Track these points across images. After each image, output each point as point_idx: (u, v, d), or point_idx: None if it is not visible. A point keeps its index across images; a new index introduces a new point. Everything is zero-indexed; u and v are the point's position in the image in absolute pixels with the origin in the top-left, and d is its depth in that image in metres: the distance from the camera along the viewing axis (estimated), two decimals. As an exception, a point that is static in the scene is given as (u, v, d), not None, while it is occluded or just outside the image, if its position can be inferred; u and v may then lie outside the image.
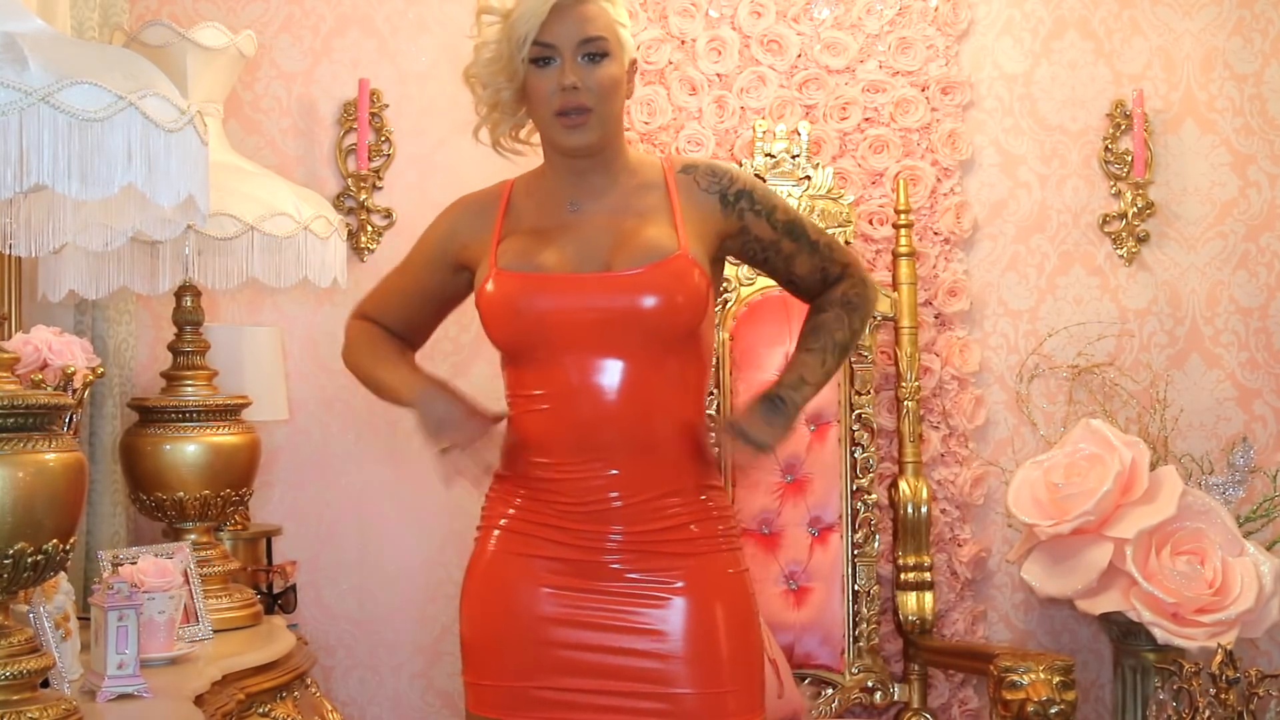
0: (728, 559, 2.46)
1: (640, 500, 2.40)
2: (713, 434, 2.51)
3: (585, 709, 2.39)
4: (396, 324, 2.62)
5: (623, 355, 2.38)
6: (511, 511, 2.46)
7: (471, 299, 2.52)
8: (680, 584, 2.40)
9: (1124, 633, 3.68)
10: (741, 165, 3.80)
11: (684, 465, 2.43)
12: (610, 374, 2.38)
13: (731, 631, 2.42)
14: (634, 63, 2.51)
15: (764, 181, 3.76)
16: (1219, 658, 3.44)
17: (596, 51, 2.41)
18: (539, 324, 2.39)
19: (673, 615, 2.39)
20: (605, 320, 2.37)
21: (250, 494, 3.24)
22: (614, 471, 2.39)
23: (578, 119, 2.40)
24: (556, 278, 2.40)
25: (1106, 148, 4.05)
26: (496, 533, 2.47)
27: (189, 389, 3.15)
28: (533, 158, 2.58)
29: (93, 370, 2.73)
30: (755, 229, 2.50)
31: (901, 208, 3.81)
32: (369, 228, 3.86)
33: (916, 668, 3.75)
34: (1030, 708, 3.19)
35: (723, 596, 2.43)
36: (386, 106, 3.89)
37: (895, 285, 3.80)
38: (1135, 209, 4.03)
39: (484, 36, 2.46)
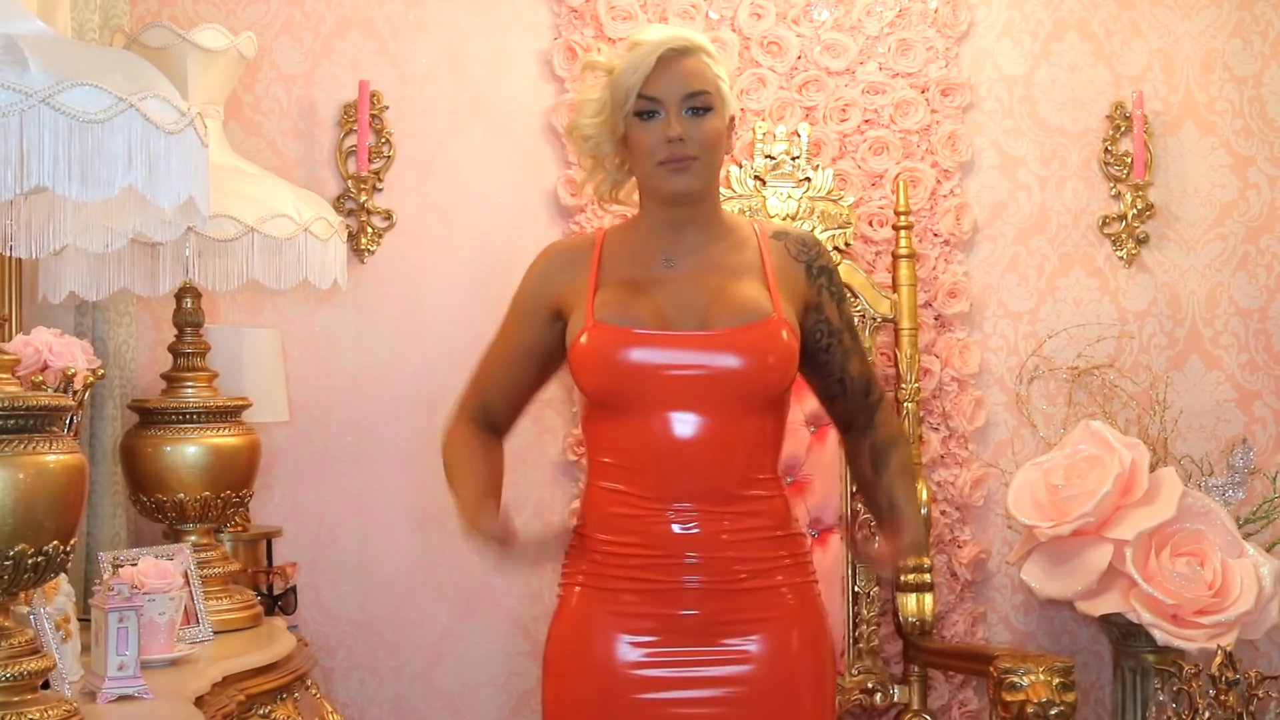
0: (807, 608, 2.49)
1: (718, 552, 2.41)
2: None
3: None
4: (499, 395, 2.58)
5: (709, 411, 2.40)
6: (589, 568, 2.47)
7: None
8: (760, 635, 2.42)
9: (1124, 634, 3.68)
10: (742, 167, 3.81)
11: (761, 517, 2.45)
12: (693, 428, 2.40)
13: (813, 682, 2.46)
14: (733, 119, 2.55)
15: (765, 183, 3.78)
16: (1219, 659, 3.44)
17: (701, 106, 2.45)
18: (631, 378, 2.41)
19: (754, 667, 2.42)
20: (697, 378, 2.40)
21: (250, 496, 3.24)
22: (694, 526, 2.41)
23: (683, 163, 2.42)
24: (653, 334, 2.42)
25: (1106, 149, 4.05)
26: (577, 589, 2.49)
27: (189, 391, 3.14)
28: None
29: (93, 372, 2.73)
30: (828, 310, 2.53)
31: (901, 209, 3.81)
32: (369, 229, 3.86)
33: (916, 669, 3.75)
34: (1030, 709, 3.19)
35: (804, 648, 2.46)
36: (387, 108, 3.89)
37: (895, 287, 3.80)
38: (1135, 211, 4.03)
39: (586, 93, 2.51)
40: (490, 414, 2.59)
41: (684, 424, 2.40)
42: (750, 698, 2.41)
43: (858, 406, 2.59)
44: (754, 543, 2.44)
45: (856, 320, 3.60)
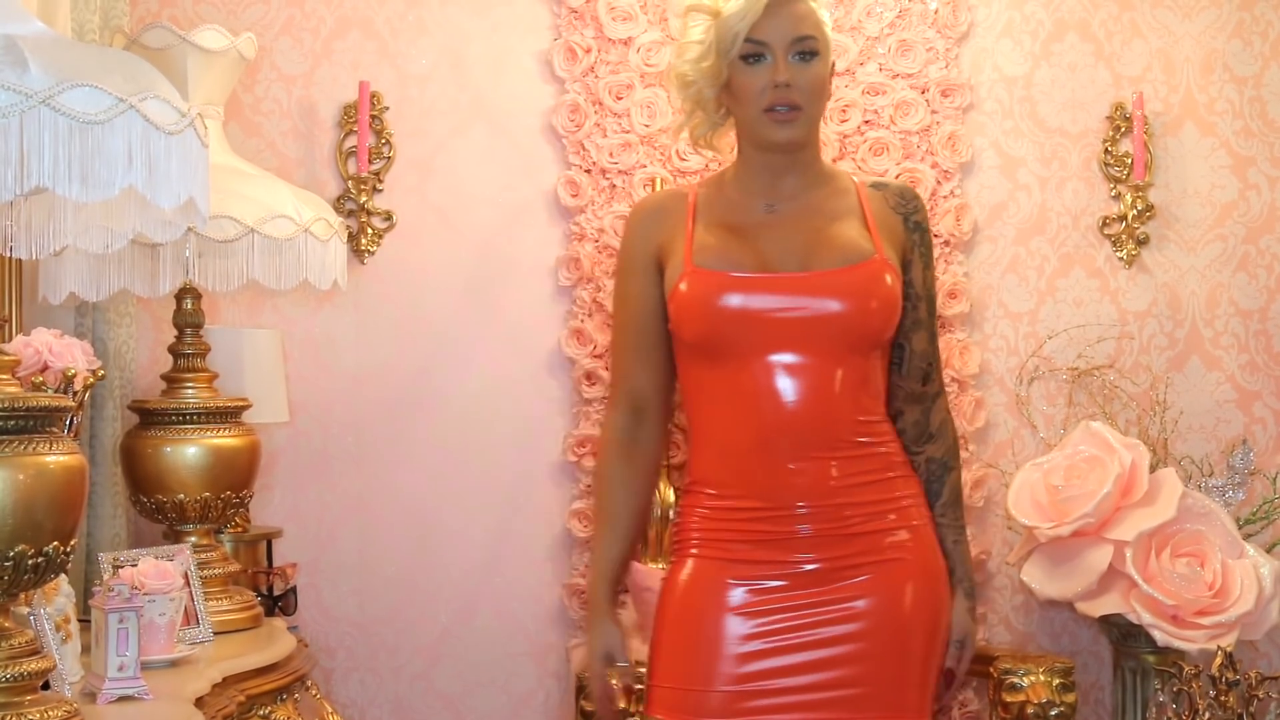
0: (923, 552, 2.45)
1: (828, 499, 2.39)
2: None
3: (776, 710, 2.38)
4: (641, 371, 2.52)
5: (811, 355, 2.37)
6: (701, 524, 2.45)
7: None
8: (872, 579, 2.40)
9: (1124, 635, 3.68)
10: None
11: (870, 460, 2.42)
12: (795, 374, 2.37)
13: (925, 633, 2.43)
14: (833, 65, 2.52)
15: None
16: (1219, 660, 3.44)
17: (807, 50, 2.42)
18: (733, 322, 2.38)
19: (866, 623, 2.39)
20: (799, 321, 2.37)
21: (250, 496, 3.24)
22: (802, 473, 2.38)
23: (788, 115, 2.40)
24: (753, 278, 2.39)
25: (1106, 150, 4.05)
26: (694, 551, 2.46)
27: (189, 391, 3.14)
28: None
29: (93, 372, 2.73)
30: (914, 270, 2.51)
31: (901, 210, 3.81)
32: (369, 230, 3.86)
33: (916, 670, 3.74)
34: (1030, 710, 3.19)
35: (918, 599, 2.43)
36: (387, 109, 3.89)
37: (895, 287, 3.80)
38: (1135, 211, 4.03)
39: (689, 36, 2.47)
40: (639, 398, 2.53)
41: (786, 369, 2.37)
42: (862, 655, 2.38)
43: (912, 392, 2.53)
44: (863, 487, 2.41)
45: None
